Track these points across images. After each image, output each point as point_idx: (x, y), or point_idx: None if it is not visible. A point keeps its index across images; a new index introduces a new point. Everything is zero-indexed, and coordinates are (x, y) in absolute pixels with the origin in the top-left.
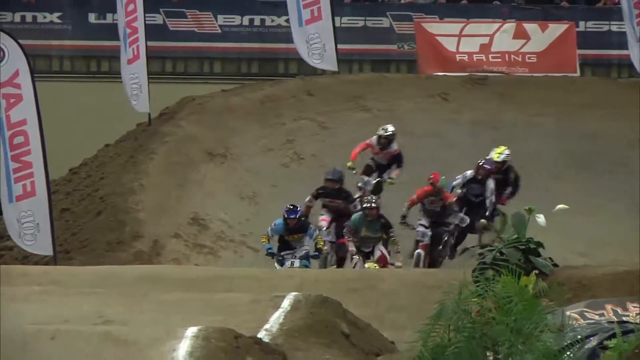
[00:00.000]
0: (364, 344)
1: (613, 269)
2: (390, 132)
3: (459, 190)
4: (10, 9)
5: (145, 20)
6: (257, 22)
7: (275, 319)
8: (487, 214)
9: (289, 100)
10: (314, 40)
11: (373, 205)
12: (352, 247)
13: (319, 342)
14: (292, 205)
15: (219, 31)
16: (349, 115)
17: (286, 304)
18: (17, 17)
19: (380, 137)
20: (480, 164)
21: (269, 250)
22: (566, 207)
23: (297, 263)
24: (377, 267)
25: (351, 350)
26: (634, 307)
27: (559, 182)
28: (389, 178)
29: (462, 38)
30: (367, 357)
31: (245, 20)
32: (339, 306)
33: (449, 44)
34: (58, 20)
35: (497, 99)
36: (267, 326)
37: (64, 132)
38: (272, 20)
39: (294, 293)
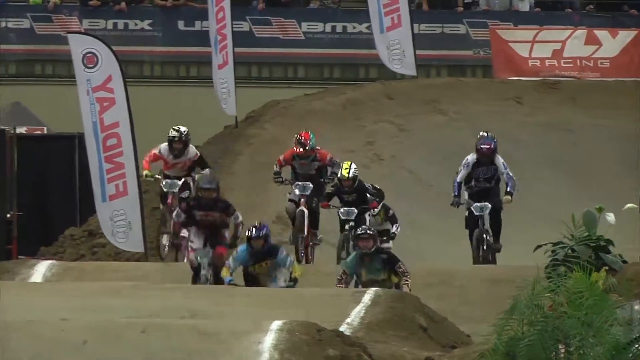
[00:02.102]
0: (440, 337)
1: None
2: (184, 132)
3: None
4: (103, 17)
5: (232, 27)
6: (339, 29)
7: (356, 313)
8: (508, 189)
9: (369, 104)
10: (394, 46)
11: (369, 233)
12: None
13: (397, 335)
14: (257, 223)
15: (303, 38)
16: (427, 118)
17: (367, 298)
18: (110, 24)
19: (172, 140)
20: (480, 146)
21: (230, 283)
22: (635, 206)
23: None
24: None
25: (428, 342)
26: None
27: (624, 182)
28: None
29: (535, 44)
30: (444, 350)
31: (328, 27)
32: (417, 300)
33: (522, 50)
34: (149, 27)
35: (569, 103)
36: (348, 320)
37: (154, 134)
38: (354, 27)
39: (374, 288)
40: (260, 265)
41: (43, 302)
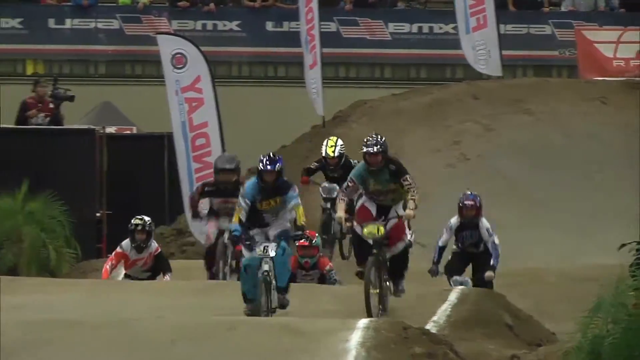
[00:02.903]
0: (526, 335)
1: None
2: (147, 221)
3: (454, 246)
4: (192, 18)
5: (320, 28)
6: (425, 30)
7: (442, 311)
8: (492, 262)
9: (455, 104)
10: (480, 46)
11: (376, 149)
12: (340, 212)
13: (483, 332)
14: (269, 153)
15: (390, 38)
16: (512, 118)
17: (453, 297)
18: (199, 25)
19: (134, 230)
20: (461, 204)
21: (234, 233)
22: None
23: (272, 249)
24: (379, 231)
25: (514, 340)
26: None
27: None
28: None
29: (619, 45)
30: (529, 348)
31: (415, 28)
32: (503, 299)
33: (607, 50)
34: (237, 28)
35: None
36: (434, 318)
37: (242, 134)
38: (440, 28)
39: (460, 287)
40: (269, 202)
41: (134, 300)
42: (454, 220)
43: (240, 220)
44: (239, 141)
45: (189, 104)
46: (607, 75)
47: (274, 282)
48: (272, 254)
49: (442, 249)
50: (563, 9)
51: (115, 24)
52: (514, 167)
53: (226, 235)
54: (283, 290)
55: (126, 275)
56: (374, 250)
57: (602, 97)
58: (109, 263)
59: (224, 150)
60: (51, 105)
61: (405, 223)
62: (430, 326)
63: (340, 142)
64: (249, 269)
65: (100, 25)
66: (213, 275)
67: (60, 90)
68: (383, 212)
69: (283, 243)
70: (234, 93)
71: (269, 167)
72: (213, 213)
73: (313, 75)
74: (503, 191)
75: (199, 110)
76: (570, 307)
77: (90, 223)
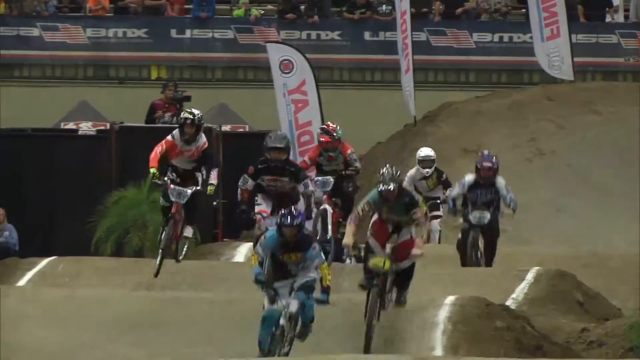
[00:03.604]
0: (594, 311)
1: None
2: (197, 115)
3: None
4: (298, 28)
5: (412, 37)
6: (505, 39)
7: (520, 290)
8: (511, 206)
9: (532, 105)
10: (554, 54)
11: (392, 187)
12: (348, 239)
13: (557, 309)
14: (292, 209)
15: (474, 46)
16: (583, 118)
17: (530, 276)
18: (304, 35)
19: (184, 124)
20: (480, 165)
21: (258, 277)
22: None
23: (294, 303)
24: (385, 265)
25: (584, 315)
26: None
27: None
28: (209, 184)
29: None
30: (597, 322)
31: (496, 37)
32: (574, 279)
33: None
34: (338, 38)
35: None
36: (513, 295)
37: (343, 132)
38: (519, 37)
39: (536, 268)
40: (290, 255)
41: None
42: (468, 177)
43: (259, 264)
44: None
45: (295, 105)
46: None
47: (291, 333)
48: (293, 309)
49: (454, 200)
50: (628, 20)
51: (229, 34)
52: (584, 161)
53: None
54: (307, 324)
55: (171, 166)
56: (375, 282)
57: None
58: (159, 147)
59: None
60: (177, 106)
61: (418, 239)
62: (509, 303)
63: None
64: (267, 320)
65: (216, 35)
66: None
67: (178, 92)
68: (397, 229)
69: (303, 299)
70: (335, 95)
71: (288, 222)
72: (261, 190)
73: (407, 80)
74: (574, 182)
75: (304, 111)
76: (635, 288)
77: (208, 211)
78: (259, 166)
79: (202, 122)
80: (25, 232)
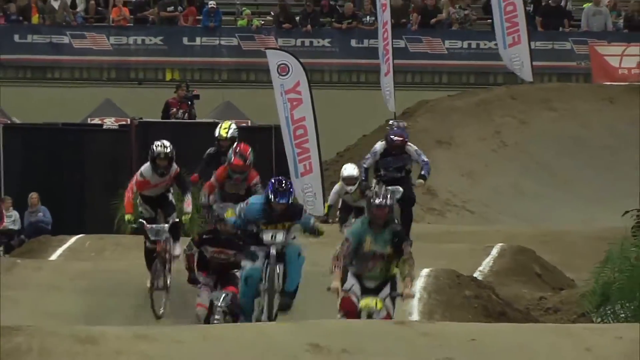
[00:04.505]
0: (551, 281)
1: None
2: (169, 147)
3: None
4: (294, 36)
5: (393, 44)
6: (473, 45)
7: (486, 263)
8: (422, 173)
9: (497, 103)
10: (515, 58)
11: (386, 203)
12: (336, 283)
13: (518, 280)
14: (283, 181)
15: (446, 52)
16: (541, 113)
17: (495, 252)
18: (299, 42)
19: (157, 157)
20: (389, 138)
21: (236, 223)
22: None
23: (280, 235)
24: (377, 305)
25: (542, 286)
26: None
27: None
28: (184, 213)
29: (623, 57)
30: (554, 291)
31: (465, 44)
32: (534, 253)
33: (614, 62)
34: (328, 45)
35: None
36: (480, 268)
37: (332, 126)
38: (485, 44)
39: (500, 244)
40: (275, 226)
41: None
42: (379, 145)
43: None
44: (329, 132)
45: (290, 103)
46: (614, 80)
47: (278, 283)
48: (280, 239)
49: (367, 170)
50: (580, 29)
51: (234, 41)
52: (543, 151)
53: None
54: (291, 295)
55: (142, 197)
56: None
57: (610, 98)
58: (130, 192)
59: (317, 138)
60: (189, 104)
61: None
62: (477, 274)
63: (234, 126)
64: (249, 280)
65: (223, 42)
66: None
67: (189, 92)
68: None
69: (298, 246)
70: (325, 95)
71: (280, 200)
72: (203, 261)
73: (387, 81)
74: (535, 170)
75: (298, 108)
76: (587, 261)
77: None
78: (204, 236)
79: (173, 154)
80: (57, 213)
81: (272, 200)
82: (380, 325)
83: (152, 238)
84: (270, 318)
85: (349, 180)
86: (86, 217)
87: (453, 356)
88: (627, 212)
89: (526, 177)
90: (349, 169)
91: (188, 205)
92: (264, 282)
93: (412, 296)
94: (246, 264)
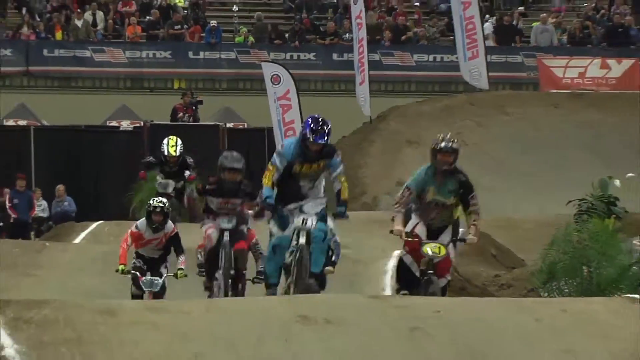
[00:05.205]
0: (505, 261)
1: None
2: (166, 204)
3: None
4: (284, 51)
5: (368, 58)
6: (438, 59)
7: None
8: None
9: (458, 108)
10: (474, 70)
11: (452, 147)
12: (399, 227)
13: (477, 260)
14: (319, 120)
15: (415, 64)
16: (496, 117)
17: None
18: (288, 56)
19: (152, 211)
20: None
21: (267, 200)
22: (634, 175)
23: (311, 220)
24: (440, 251)
25: (497, 265)
26: None
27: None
28: (179, 269)
29: (567, 68)
30: (507, 270)
31: (431, 57)
32: (490, 237)
33: (559, 72)
34: (313, 58)
35: (590, 107)
36: None
37: None
38: (448, 57)
39: (462, 229)
40: (310, 165)
41: None
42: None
43: (272, 184)
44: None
45: (282, 108)
46: (559, 88)
47: (307, 263)
48: (313, 224)
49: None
50: (529, 44)
51: (233, 55)
52: (499, 150)
53: (226, 236)
54: (317, 276)
55: (137, 254)
56: (430, 274)
57: (556, 104)
58: (125, 244)
59: None
60: (193, 108)
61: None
62: None
63: (180, 142)
64: (277, 249)
65: (223, 56)
66: (210, 287)
67: (193, 98)
68: (432, 238)
69: (324, 225)
70: (311, 101)
71: (318, 140)
72: (210, 212)
73: (362, 90)
74: (492, 167)
75: (288, 112)
76: (535, 244)
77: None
78: (207, 187)
79: (169, 210)
80: (80, 202)
81: (310, 140)
82: (358, 299)
83: (146, 289)
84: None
85: None
86: (105, 206)
87: (421, 325)
88: (570, 201)
89: (484, 173)
90: None
91: (183, 263)
92: (292, 258)
93: (475, 241)
94: (275, 232)
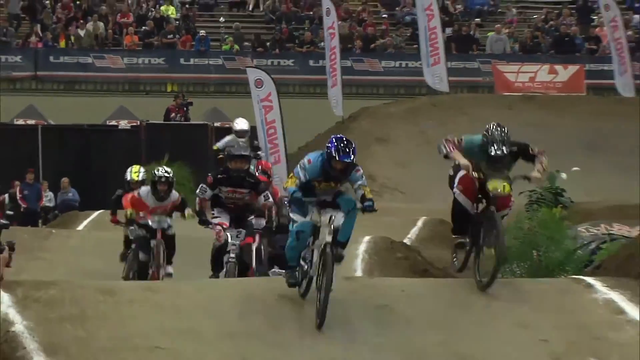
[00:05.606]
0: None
1: (605, 204)
2: (170, 173)
3: None
4: (266, 58)
5: (340, 64)
6: (404, 65)
7: (413, 232)
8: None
9: (422, 109)
10: (436, 75)
11: (503, 153)
12: (464, 160)
13: (438, 245)
14: (344, 140)
15: (383, 70)
16: (456, 117)
17: (420, 223)
18: (269, 62)
19: (158, 181)
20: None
21: (295, 195)
22: (578, 169)
23: (338, 218)
24: (504, 188)
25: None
26: (618, 225)
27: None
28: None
29: (519, 73)
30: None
31: (397, 64)
32: (449, 224)
33: (512, 77)
34: (292, 64)
35: (540, 109)
36: (409, 236)
37: (295, 127)
38: (413, 64)
39: (424, 217)
40: (329, 184)
41: None
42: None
43: (296, 185)
44: (292, 131)
45: (264, 109)
46: (511, 91)
47: (329, 258)
48: (340, 222)
49: None
50: (485, 52)
51: (220, 61)
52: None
53: (232, 253)
54: (343, 245)
55: (139, 225)
56: (493, 210)
57: (509, 105)
58: (128, 200)
59: (284, 136)
60: (185, 109)
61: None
62: (406, 240)
63: (142, 169)
64: (301, 235)
65: (211, 62)
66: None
67: (185, 100)
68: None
69: (352, 199)
70: (290, 103)
71: (345, 159)
72: (219, 205)
73: (334, 92)
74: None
75: (270, 113)
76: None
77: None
78: (219, 176)
79: (174, 179)
80: (83, 193)
81: (336, 158)
82: None
83: (154, 226)
84: (323, 318)
85: (241, 133)
86: (106, 197)
87: (388, 303)
88: (521, 192)
89: (444, 167)
90: (241, 124)
91: (188, 211)
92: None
93: (540, 178)
94: (297, 218)
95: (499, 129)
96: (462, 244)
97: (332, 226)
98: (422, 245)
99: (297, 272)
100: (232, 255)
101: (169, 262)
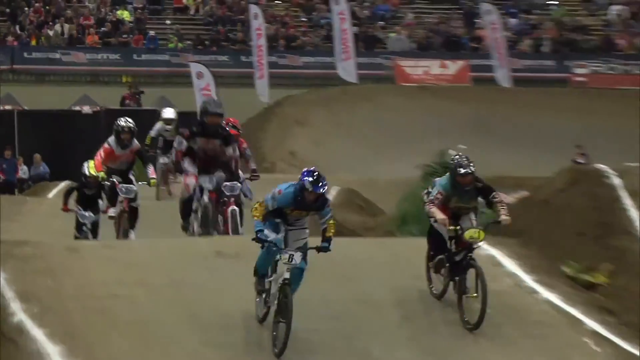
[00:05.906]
0: (370, 211)
1: (487, 175)
2: (132, 124)
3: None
4: (205, 54)
5: (267, 59)
6: (320, 60)
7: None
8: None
9: (335, 97)
10: (347, 68)
11: (469, 171)
12: (442, 215)
13: (349, 209)
14: (316, 173)
15: (302, 64)
16: (364, 104)
17: (334, 192)
18: (208, 58)
19: (121, 131)
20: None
21: (259, 235)
22: (465, 147)
23: (298, 258)
24: (480, 235)
25: (364, 213)
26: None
27: (468, 137)
28: (151, 179)
29: (416, 67)
30: (371, 217)
31: (316, 59)
32: (359, 193)
33: (410, 70)
34: (227, 59)
35: (433, 97)
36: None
37: (230, 113)
38: (328, 59)
39: (338, 186)
40: (300, 212)
41: None
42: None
43: (262, 218)
44: (228, 115)
45: (205, 97)
46: (409, 82)
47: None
48: (298, 261)
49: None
50: (388, 49)
51: (166, 57)
52: (366, 128)
53: (205, 196)
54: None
55: (108, 169)
56: (471, 256)
57: (408, 94)
58: (99, 156)
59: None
60: (137, 97)
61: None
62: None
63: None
64: (272, 250)
65: (159, 58)
66: (186, 226)
67: (137, 89)
68: (456, 219)
69: (305, 265)
70: (226, 92)
71: (316, 189)
72: (190, 155)
73: (260, 83)
74: (360, 141)
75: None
76: (393, 198)
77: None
78: (194, 129)
79: (135, 129)
80: (52, 167)
81: (309, 189)
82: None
83: (123, 195)
84: (282, 349)
85: (168, 121)
86: (71, 170)
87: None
88: (416, 166)
89: (355, 145)
90: (168, 113)
91: (153, 173)
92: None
93: (509, 222)
94: (269, 234)
95: (463, 156)
96: (441, 260)
97: (290, 264)
98: (336, 210)
99: (263, 295)
100: (206, 198)
101: (132, 226)
